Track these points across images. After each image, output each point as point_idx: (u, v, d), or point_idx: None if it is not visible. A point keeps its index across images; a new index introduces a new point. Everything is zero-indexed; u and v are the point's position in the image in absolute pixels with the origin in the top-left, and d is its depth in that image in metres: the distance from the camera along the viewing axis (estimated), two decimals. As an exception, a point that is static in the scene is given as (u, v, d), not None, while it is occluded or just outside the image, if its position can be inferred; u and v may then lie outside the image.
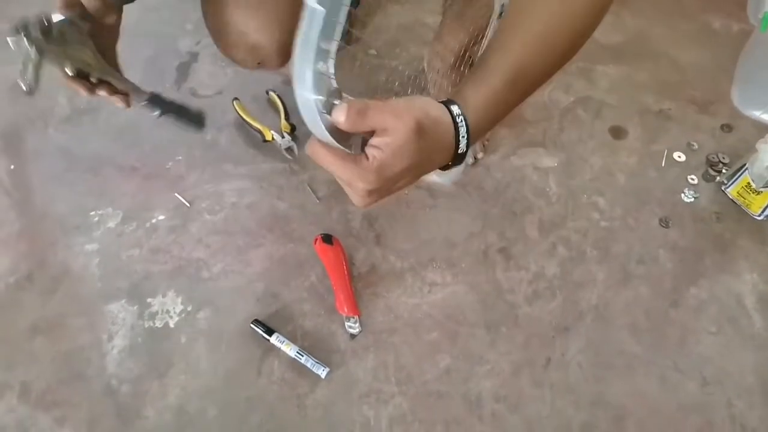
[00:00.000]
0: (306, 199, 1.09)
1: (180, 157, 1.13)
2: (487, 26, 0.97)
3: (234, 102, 1.17)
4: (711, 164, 1.16)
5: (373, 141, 0.47)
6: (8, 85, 1.22)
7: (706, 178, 1.15)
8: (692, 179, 1.15)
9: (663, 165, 1.17)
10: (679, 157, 1.18)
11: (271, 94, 1.20)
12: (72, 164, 1.12)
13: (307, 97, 0.45)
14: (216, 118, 1.19)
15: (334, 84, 0.46)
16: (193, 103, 1.20)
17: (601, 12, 0.58)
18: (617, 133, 1.22)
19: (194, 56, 1.30)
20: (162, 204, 1.07)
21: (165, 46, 1.32)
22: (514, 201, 1.11)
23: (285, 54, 0.81)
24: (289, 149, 1.13)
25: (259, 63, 0.83)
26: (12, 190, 1.08)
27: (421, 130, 0.47)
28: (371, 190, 0.49)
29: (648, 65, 1.34)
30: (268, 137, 1.13)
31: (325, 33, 0.43)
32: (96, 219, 1.05)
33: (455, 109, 0.53)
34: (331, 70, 0.45)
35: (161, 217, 1.06)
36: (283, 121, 1.15)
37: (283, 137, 1.13)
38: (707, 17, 1.44)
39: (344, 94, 0.47)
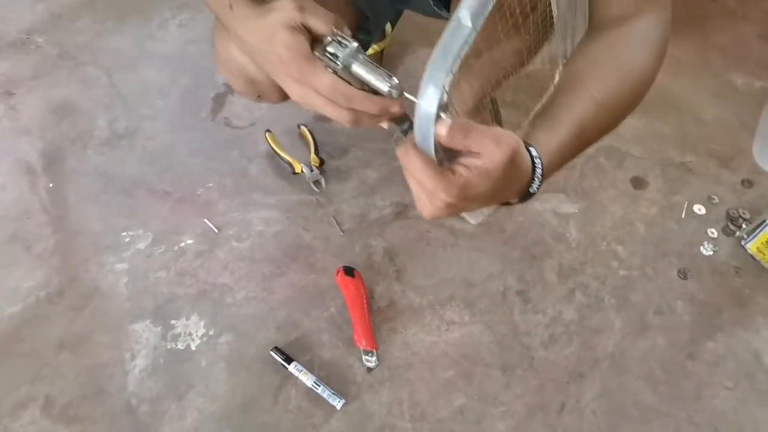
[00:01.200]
0: (330, 231, 1.12)
1: (211, 184, 1.17)
2: (502, 77, 1.01)
3: (266, 134, 1.22)
4: (731, 219, 1.18)
5: (465, 160, 0.50)
6: (52, 107, 1.29)
7: (726, 232, 1.16)
8: (712, 233, 1.16)
9: (683, 217, 1.18)
10: (699, 209, 1.19)
11: (303, 128, 1.24)
12: (108, 185, 1.16)
13: (427, 107, 0.47)
14: (248, 149, 1.23)
15: (446, 98, 0.48)
16: (226, 133, 1.27)
17: (647, 86, 0.68)
18: (638, 183, 1.24)
19: (230, 88, 1.35)
20: (191, 228, 1.11)
21: (203, 77, 1.37)
22: (534, 245, 1.13)
23: (282, 91, 0.85)
24: (316, 182, 1.16)
25: (258, 96, 0.87)
26: (50, 207, 1.12)
27: (512, 163, 0.50)
28: (449, 204, 0.51)
29: (671, 119, 1.36)
30: (298, 170, 1.16)
31: (463, 49, 0.46)
32: (127, 240, 1.09)
33: (533, 151, 0.56)
34: (449, 85, 0.47)
35: (190, 241, 1.09)
36: (312, 154, 1.19)
37: (312, 170, 1.17)
38: (730, 75, 1.47)
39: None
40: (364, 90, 0.56)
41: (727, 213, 1.19)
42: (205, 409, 0.91)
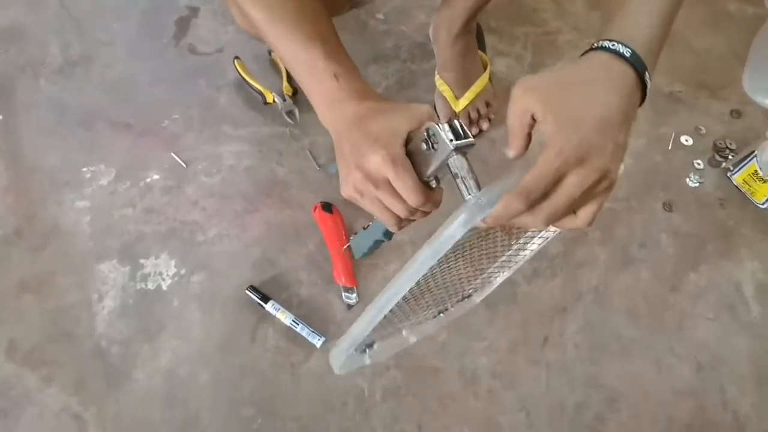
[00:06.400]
0: (306, 165, 1.06)
1: (177, 116, 1.10)
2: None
3: (235, 61, 1.13)
4: (718, 150, 1.15)
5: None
6: (-2, 31, 1.17)
7: (712, 163, 1.13)
8: (698, 164, 1.13)
9: (670, 148, 1.15)
10: (687, 140, 1.16)
11: (274, 54, 1.16)
12: (63, 117, 1.08)
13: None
14: (215, 77, 1.15)
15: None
16: (191, 61, 1.18)
17: None
18: (625, 113, 1.19)
19: (194, 11, 1.25)
20: (157, 163, 1.04)
21: (163, -2, 1.26)
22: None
23: None
24: (290, 113, 1.09)
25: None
26: (0, 141, 1.04)
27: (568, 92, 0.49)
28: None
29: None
30: (270, 99, 1.09)
31: None
32: (88, 175, 1.02)
33: (610, 44, 0.51)
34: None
35: (156, 177, 1.03)
36: (285, 83, 1.11)
37: (284, 100, 1.09)
38: (724, 2, 1.41)
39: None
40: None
41: (714, 144, 1.16)
42: (180, 351, 0.88)
